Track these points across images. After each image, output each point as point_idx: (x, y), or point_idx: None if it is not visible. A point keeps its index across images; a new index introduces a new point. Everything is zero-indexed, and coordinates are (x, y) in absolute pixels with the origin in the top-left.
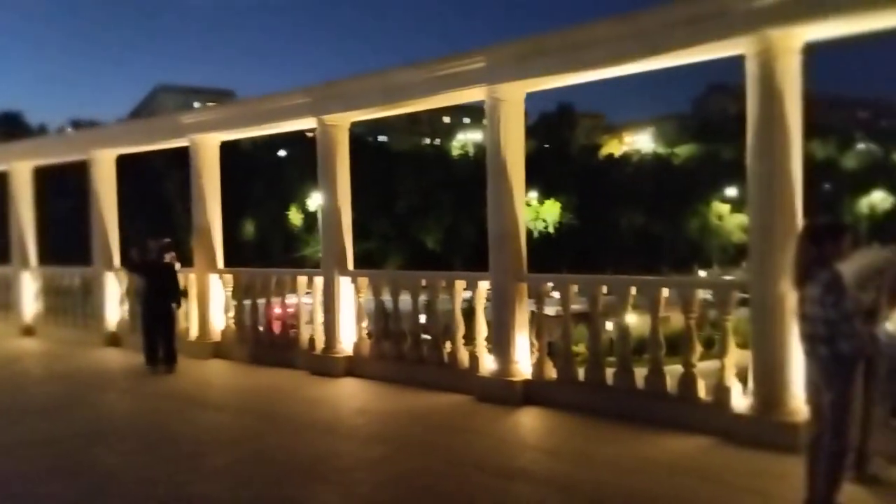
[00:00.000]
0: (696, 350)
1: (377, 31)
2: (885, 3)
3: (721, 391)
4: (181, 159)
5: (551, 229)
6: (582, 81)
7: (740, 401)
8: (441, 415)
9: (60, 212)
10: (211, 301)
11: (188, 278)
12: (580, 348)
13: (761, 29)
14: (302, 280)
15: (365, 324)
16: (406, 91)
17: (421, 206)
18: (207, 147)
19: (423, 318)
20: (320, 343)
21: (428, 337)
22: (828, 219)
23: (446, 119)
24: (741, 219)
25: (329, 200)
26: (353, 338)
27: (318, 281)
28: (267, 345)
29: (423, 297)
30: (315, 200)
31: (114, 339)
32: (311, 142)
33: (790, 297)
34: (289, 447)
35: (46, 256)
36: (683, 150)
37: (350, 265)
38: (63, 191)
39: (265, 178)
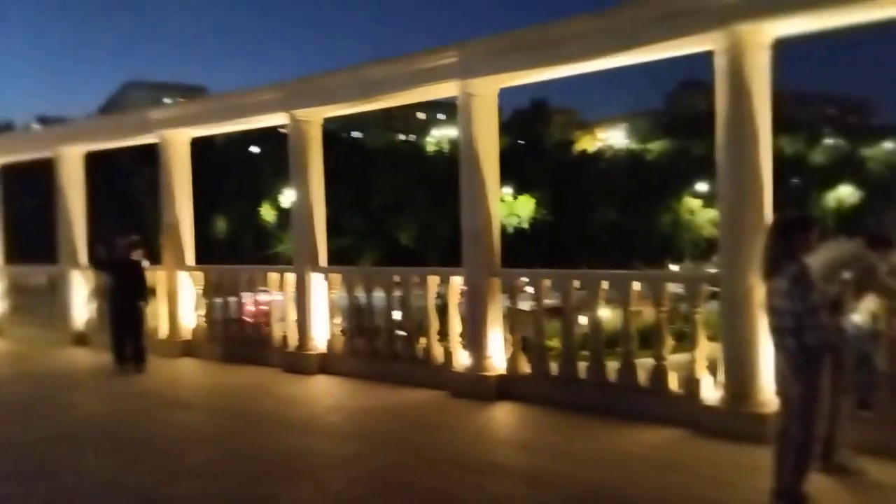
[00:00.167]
0: (667, 343)
1: (351, 27)
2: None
3: (692, 383)
4: (152, 156)
5: (526, 225)
6: (555, 77)
7: (711, 393)
8: (415, 411)
9: (27, 210)
10: (181, 299)
11: (157, 276)
12: (554, 343)
13: (731, 24)
14: (273, 277)
15: (338, 320)
16: (379, 86)
17: (396, 203)
18: (177, 143)
19: (396, 315)
20: (293, 340)
21: (402, 333)
22: (796, 213)
23: (421, 115)
24: (712, 214)
25: (301, 197)
26: (326, 335)
27: (290, 277)
28: (239, 342)
29: (397, 293)
30: (288, 197)
31: (81, 339)
32: (285, 138)
33: (759, 291)
34: (262, 445)
35: (13, 255)
36: (656, 146)
37: (323, 262)
38: (30, 189)
39: (238, 174)
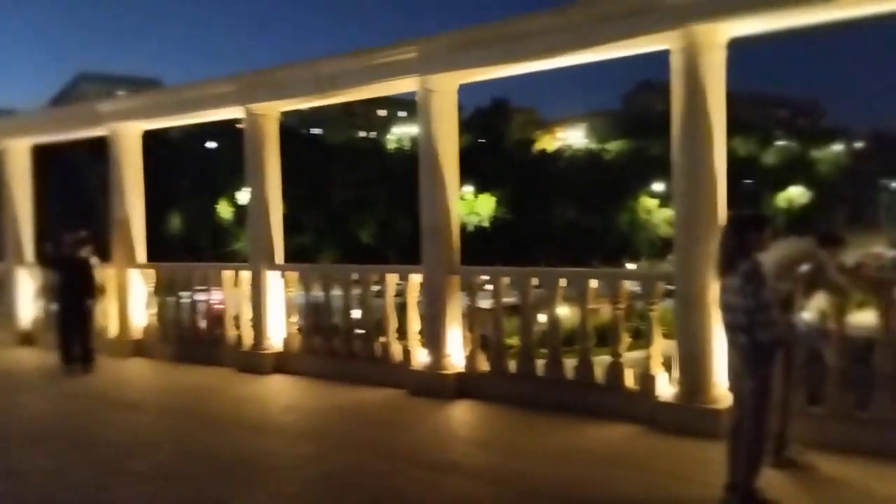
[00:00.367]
0: (623, 340)
1: (310, 22)
2: (806, 0)
3: (647, 380)
4: (105, 150)
5: (486, 223)
6: (514, 73)
7: (666, 389)
8: (373, 410)
9: None
10: (131, 297)
11: (107, 273)
12: (513, 341)
13: (686, 24)
14: (228, 274)
15: (295, 319)
16: (337, 80)
17: (356, 200)
18: (128, 136)
19: (355, 313)
20: (248, 339)
21: (360, 331)
22: (751, 211)
23: (382, 112)
24: (668, 213)
25: (257, 193)
26: (282, 333)
27: (245, 275)
28: (191, 342)
29: (355, 291)
30: (246, 194)
31: (27, 338)
32: (243, 133)
33: (713, 288)
34: (214, 447)
35: None
36: (614, 146)
37: (279, 259)
38: None
39: (194, 170)
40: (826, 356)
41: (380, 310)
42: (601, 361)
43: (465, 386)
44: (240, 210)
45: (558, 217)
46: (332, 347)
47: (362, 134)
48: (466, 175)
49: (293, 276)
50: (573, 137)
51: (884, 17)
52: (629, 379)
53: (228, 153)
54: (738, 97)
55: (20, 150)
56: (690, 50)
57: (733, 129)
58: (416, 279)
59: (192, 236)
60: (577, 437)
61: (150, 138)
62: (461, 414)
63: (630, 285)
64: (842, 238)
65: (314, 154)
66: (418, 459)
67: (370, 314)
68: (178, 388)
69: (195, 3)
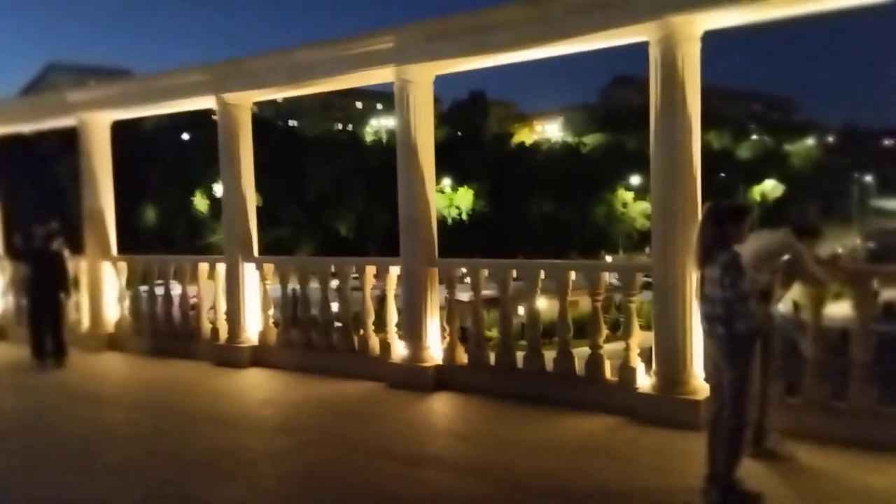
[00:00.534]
0: (602, 332)
1: (285, 12)
2: None
3: (626, 371)
4: (75, 141)
5: (465, 216)
6: (491, 64)
7: (645, 380)
8: (351, 403)
9: None
10: (104, 290)
11: (79, 266)
12: (492, 333)
13: (664, 15)
14: (203, 267)
15: (272, 312)
16: (312, 70)
17: (333, 193)
18: (98, 126)
19: (333, 306)
20: (224, 332)
21: (338, 324)
22: (730, 202)
23: (359, 104)
24: (644, 206)
25: (232, 184)
26: (258, 326)
27: (221, 268)
28: (166, 335)
29: (333, 284)
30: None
31: None
32: (216, 124)
33: (691, 280)
34: (188, 443)
35: None
36: (591, 140)
37: (255, 251)
38: None
39: (168, 162)
40: (802, 347)
41: (358, 302)
42: (580, 353)
43: (444, 378)
44: (215, 202)
45: (536, 210)
46: (309, 340)
47: (339, 126)
48: (444, 168)
49: (270, 268)
50: (550, 131)
51: (856, 11)
52: (608, 370)
53: (203, 145)
54: (713, 91)
55: None
56: (667, 41)
57: (708, 123)
58: (394, 272)
59: (167, 229)
60: (557, 428)
61: (123, 130)
62: (440, 407)
63: (609, 278)
64: (819, 229)
65: (291, 146)
66: (397, 453)
67: (348, 307)
68: (152, 383)
69: None
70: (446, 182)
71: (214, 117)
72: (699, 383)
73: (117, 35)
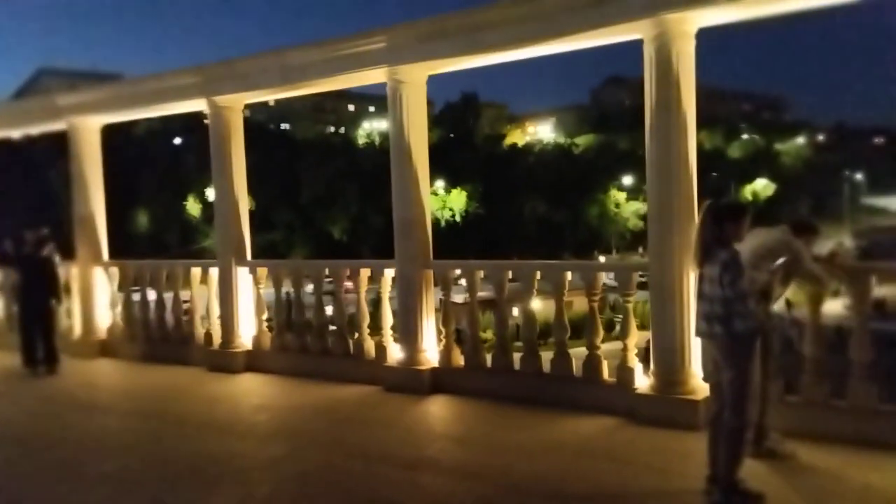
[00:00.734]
0: (599, 332)
1: (279, 16)
2: None
3: (624, 372)
4: (66, 146)
5: (458, 218)
6: (485, 64)
7: (643, 381)
8: (347, 407)
9: None
10: (96, 296)
11: (70, 272)
12: (488, 335)
13: (658, 13)
14: (196, 272)
15: (265, 316)
16: (304, 71)
17: (327, 196)
18: (88, 131)
19: (328, 309)
20: (217, 337)
21: (333, 328)
22: (729, 199)
23: (351, 107)
24: (637, 206)
25: (224, 187)
26: (252, 331)
27: (214, 272)
28: (159, 341)
29: (327, 287)
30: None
31: None
32: (209, 128)
33: (688, 279)
34: (183, 449)
35: None
36: (583, 140)
37: (248, 255)
38: None
39: (160, 167)
40: (798, 345)
41: (353, 305)
42: (576, 354)
43: (440, 381)
44: (208, 207)
45: (529, 211)
46: (304, 344)
47: (332, 129)
48: (437, 170)
49: (264, 272)
50: (542, 132)
51: (847, 7)
52: (606, 371)
53: (196, 149)
54: (704, 91)
55: None
56: (662, 39)
57: (699, 123)
58: (389, 274)
59: (160, 234)
60: (555, 430)
61: (115, 135)
62: (437, 409)
63: (603, 277)
64: (816, 226)
65: (284, 150)
66: (394, 457)
67: (343, 310)
68: (145, 389)
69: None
70: (439, 184)
71: (206, 121)
72: (697, 383)
73: (109, 40)
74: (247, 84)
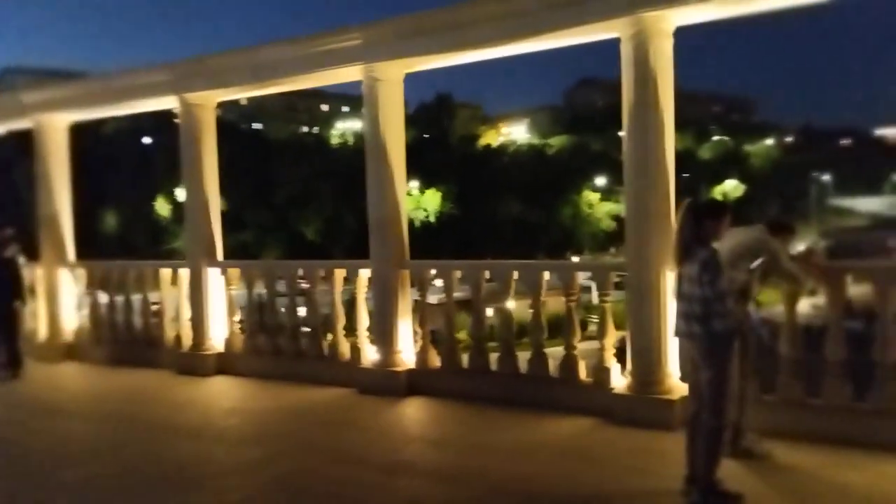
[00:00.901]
0: (577, 332)
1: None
2: None
3: (601, 372)
4: (32, 145)
5: (433, 218)
6: (462, 62)
7: (619, 381)
8: (321, 410)
9: None
10: (61, 298)
11: (35, 274)
12: (463, 335)
13: (636, 11)
14: (165, 273)
15: (237, 317)
16: (277, 68)
17: (300, 196)
18: (54, 129)
19: (301, 310)
20: (187, 340)
21: (307, 329)
22: (709, 199)
23: (324, 107)
24: (610, 207)
25: (195, 186)
26: (224, 333)
27: (184, 273)
28: (127, 344)
29: (301, 288)
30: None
31: None
32: (178, 127)
33: (665, 278)
34: (152, 455)
35: None
36: (556, 141)
37: (220, 256)
38: None
39: (129, 166)
40: (770, 343)
41: (327, 306)
42: (552, 353)
43: (416, 383)
44: (178, 207)
45: (503, 212)
46: (277, 346)
47: (305, 129)
48: (412, 171)
49: (235, 273)
50: (516, 133)
51: (817, 8)
52: (583, 371)
53: (165, 149)
54: (675, 93)
55: None
56: (639, 37)
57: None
58: (364, 274)
59: (129, 234)
60: (532, 431)
61: (82, 134)
62: (413, 412)
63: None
64: (792, 226)
65: (256, 150)
66: (370, 461)
67: (317, 311)
68: (113, 393)
69: None
70: (414, 185)
71: (177, 120)
72: (674, 382)
73: (78, 39)
74: (219, 81)
